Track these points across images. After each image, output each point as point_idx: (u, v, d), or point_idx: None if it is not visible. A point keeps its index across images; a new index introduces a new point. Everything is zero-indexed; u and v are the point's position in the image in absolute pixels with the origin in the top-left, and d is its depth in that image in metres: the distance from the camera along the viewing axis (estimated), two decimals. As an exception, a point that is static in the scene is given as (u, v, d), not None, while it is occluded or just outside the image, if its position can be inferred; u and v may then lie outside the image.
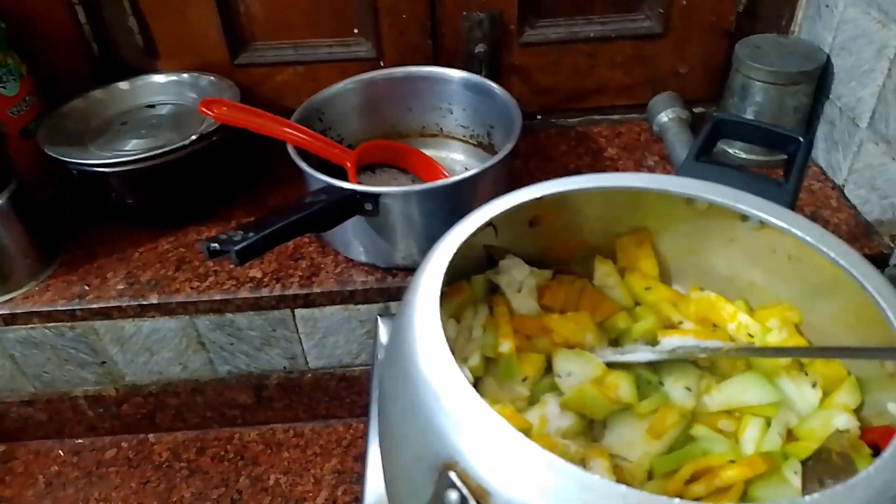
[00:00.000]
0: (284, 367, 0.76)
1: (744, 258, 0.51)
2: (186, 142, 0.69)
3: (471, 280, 0.52)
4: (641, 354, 0.46)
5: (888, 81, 0.67)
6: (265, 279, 0.69)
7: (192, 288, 0.69)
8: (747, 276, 0.52)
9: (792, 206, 0.49)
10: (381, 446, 0.45)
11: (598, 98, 0.89)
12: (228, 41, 0.82)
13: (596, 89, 0.88)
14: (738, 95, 0.78)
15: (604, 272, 0.54)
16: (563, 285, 0.54)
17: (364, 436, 0.79)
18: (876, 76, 0.68)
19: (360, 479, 0.70)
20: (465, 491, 0.30)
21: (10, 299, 0.69)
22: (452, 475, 0.31)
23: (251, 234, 0.50)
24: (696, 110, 0.86)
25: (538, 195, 0.48)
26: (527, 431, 0.43)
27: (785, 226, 0.46)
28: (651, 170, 0.81)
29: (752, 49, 0.77)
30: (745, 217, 0.48)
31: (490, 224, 0.49)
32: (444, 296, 0.50)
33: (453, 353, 0.47)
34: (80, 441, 0.81)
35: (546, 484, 0.30)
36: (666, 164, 0.81)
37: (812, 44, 0.79)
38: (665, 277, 0.55)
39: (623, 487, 0.29)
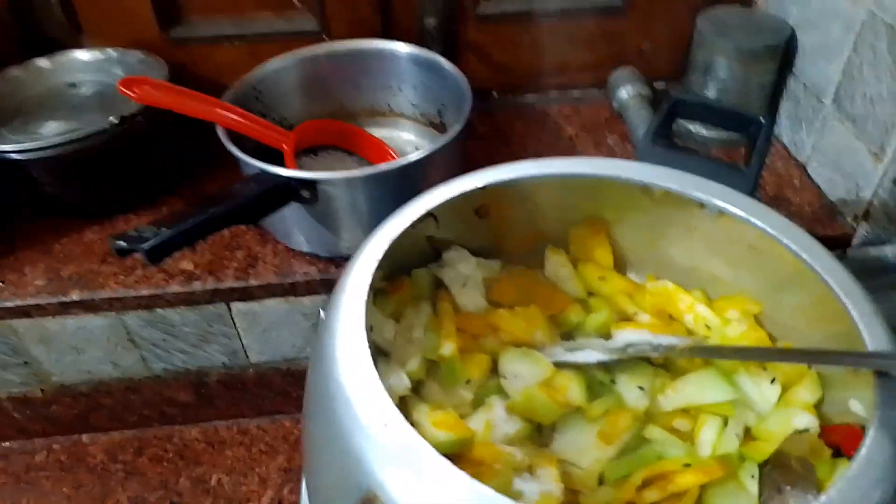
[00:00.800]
0: (224, 364, 0.72)
1: (703, 248, 0.47)
2: (107, 125, 0.64)
3: (412, 275, 0.48)
4: (592, 354, 0.43)
5: (854, 58, 0.64)
6: (198, 271, 0.64)
7: (117, 283, 0.64)
8: (707, 266, 0.49)
9: (753, 192, 0.46)
10: (304, 466, 0.42)
11: (558, 76, 0.85)
12: (160, 14, 0.76)
13: (556, 67, 0.84)
14: (700, 72, 0.74)
15: (556, 263, 0.51)
16: (513, 278, 0.50)
17: (312, 434, 0.75)
18: (842, 52, 0.65)
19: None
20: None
21: (-83, 296, 0.63)
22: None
23: (163, 229, 0.45)
24: (658, 86, 0.83)
25: (482, 184, 0.44)
26: (469, 439, 0.40)
27: (744, 215, 0.43)
28: (611, 150, 0.77)
29: (716, 23, 0.74)
30: (703, 205, 0.44)
31: (430, 215, 0.45)
32: (383, 293, 0.46)
33: (388, 357, 0.43)
34: (6, 444, 0.76)
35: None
36: (627, 144, 0.78)
37: (777, 17, 0.75)
38: (621, 268, 0.51)
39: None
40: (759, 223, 0.42)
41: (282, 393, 0.76)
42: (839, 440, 0.40)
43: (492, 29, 0.80)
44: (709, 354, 0.43)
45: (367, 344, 0.34)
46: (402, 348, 0.44)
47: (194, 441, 0.75)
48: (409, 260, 0.48)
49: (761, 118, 0.48)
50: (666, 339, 0.43)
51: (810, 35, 0.71)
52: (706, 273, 0.49)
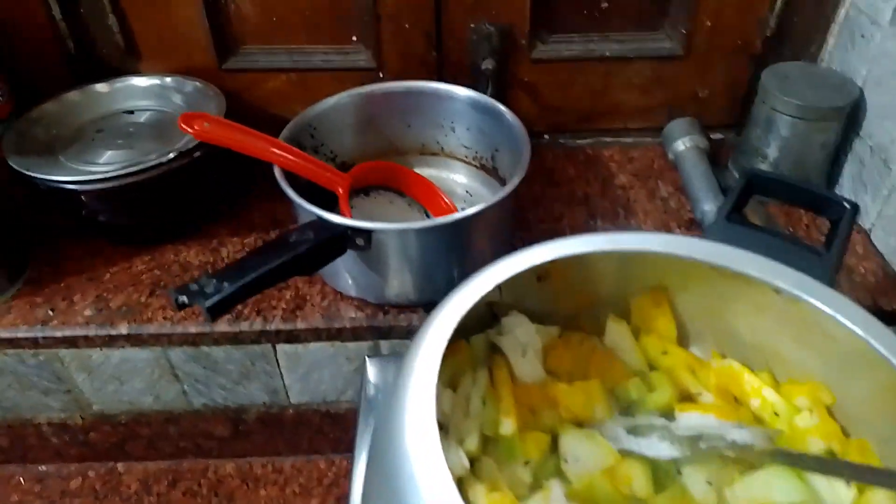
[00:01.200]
0: (264, 402, 0.71)
1: (772, 327, 0.45)
2: (164, 159, 0.63)
3: (470, 341, 0.47)
4: (662, 447, 0.41)
5: (929, 125, 0.62)
6: (245, 310, 0.64)
7: (165, 318, 0.63)
8: (774, 345, 0.47)
9: (832, 280, 0.44)
10: None
11: (610, 119, 0.83)
12: (216, 43, 0.76)
13: (609, 110, 0.82)
14: (762, 127, 0.73)
15: (618, 332, 0.49)
16: (571, 346, 0.49)
17: (347, 475, 0.74)
18: (914, 117, 0.63)
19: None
20: None
21: (-32, 321, 0.63)
22: None
23: (225, 284, 0.45)
24: (714, 136, 0.81)
25: (551, 257, 0.43)
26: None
27: (822, 306, 0.41)
28: (665, 201, 0.76)
29: (780, 78, 0.72)
30: (778, 291, 0.43)
31: (496, 287, 0.44)
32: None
33: (446, 431, 0.42)
34: (43, 468, 0.76)
35: None
36: (681, 195, 0.76)
37: (843, 75, 0.73)
38: (683, 339, 0.50)
39: None
40: (836, 315, 0.40)
41: (319, 432, 0.75)
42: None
43: (546, 71, 0.79)
44: (791, 462, 0.41)
45: (435, 426, 0.33)
46: (460, 422, 0.43)
47: (228, 477, 0.75)
48: (465, 324, 0.47)
49: (845, 203, 0.46)
50: (739, 433, 0.42)
51: (880, 96, 0.69)
52: (771, 351, 0.47)
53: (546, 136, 0.84)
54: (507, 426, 0.42)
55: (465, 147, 0.76)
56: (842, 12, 0.74)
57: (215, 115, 0.64)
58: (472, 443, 0.42)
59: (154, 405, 0.71)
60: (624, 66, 0.78)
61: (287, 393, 0.70)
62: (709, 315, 0.49)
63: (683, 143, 0.78)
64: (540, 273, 0.47)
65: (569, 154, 0.84)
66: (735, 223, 0.47)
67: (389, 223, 0.57)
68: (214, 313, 0.44)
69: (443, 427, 0.43)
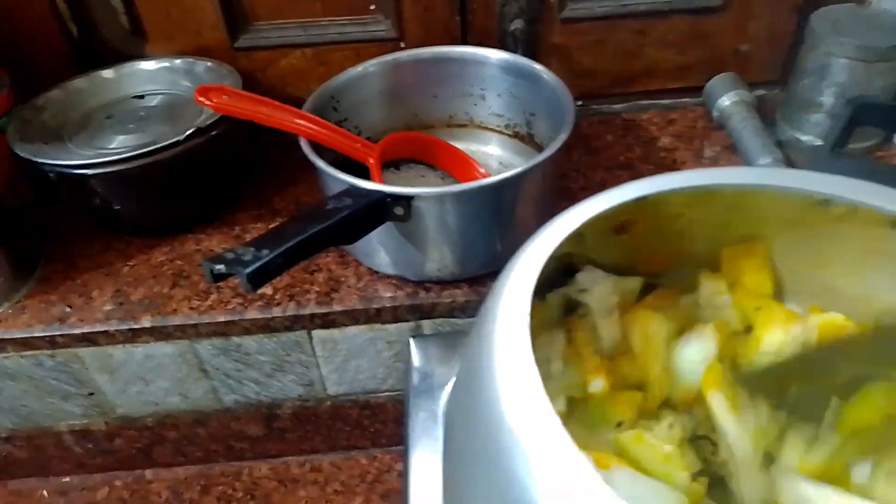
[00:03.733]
0: (300, 395, 0.66)
1: (884, 275, 0.41)
2: (181, 137, 0.59)
3: (546, 299, 0.42)
4: None
5: None
6: (277, 296, 0.59)
7: (191, 308, 0.59)
8: (885, 295, 0.42)
9: None
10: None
11: (646, 81, 0.79)
12: (227, 21, 0.71)
13: (645, 71, 0.78)
14: (815, 75, 0.68)
15: (712, 290, 0.44)
16: (659, 304, 0.44)
17: (395, 470, 0.69)
18: None
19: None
20: None
21: (-21, 324, 0.59)
22: None
23: (265, 251, 0.40)
24: (758, 93, 0.76)
25: (636, 195, 0.38)
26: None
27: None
28: (714, 161, 0.71)
29: (831, 22, 0.67)
30: None
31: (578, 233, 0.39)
32: None
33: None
34: (66, 479, 0.71)
35: None
36: (731, 154, 0.71)
37: (895, 15, 0.69)
38: (777, 296, 0.45)
39: None
40: None
41: (358, 426, 0.70)
42: None
43: (577, 31, 0.74)
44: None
45: (537, 373, 0.29)
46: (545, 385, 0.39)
47: (264, 479, 0.70)
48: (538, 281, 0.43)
49: None
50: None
51: (942, 32, 0.64)
52: (882, 306, 0.42)
53: (580, 102, 0.80)
54: (598, 384, 0.37)
55: (497, 115, 0.71)
56: (891, -51, 0.70)
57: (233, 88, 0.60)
58: (559, 405, 0.37)
59: (182, 405, 0.66)
60: (659, 22, 0.74)
61: (324, 384, 0.65)
62: (809, 267, 0.44)
63: (729, 98, 0.73)
64: (620, 223, 0.43)
65: (605, 120, 0.79)
66: (844, 157, 0.43)
67: (430, 188, 0.52)
68: (255, 282, 0.39)
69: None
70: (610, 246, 0.42)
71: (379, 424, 0.70)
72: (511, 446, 0.29)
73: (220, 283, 0.61)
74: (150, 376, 0.63)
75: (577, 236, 0.39)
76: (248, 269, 0.39)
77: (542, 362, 0.39)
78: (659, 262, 0.44)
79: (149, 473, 0.71)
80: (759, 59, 0.77)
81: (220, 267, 0.39)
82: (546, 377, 0.38)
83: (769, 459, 0.36)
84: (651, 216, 0.41)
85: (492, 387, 0.31)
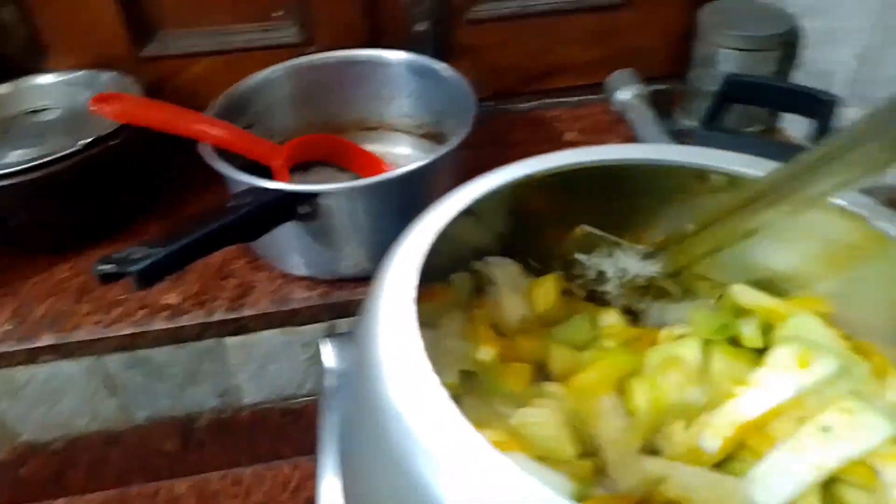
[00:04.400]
0: (215, 406, 0.65)
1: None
2: (77, 147, 0.57)
3: (450, 280, 0.42)
4: None
5: (871, 42, 0.61)
6: (185, 304, 0.58)
7: (95, 322, 0.57)
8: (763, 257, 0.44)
9: None
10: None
11: (554, 79, 0.81)
12: (130, 30, 0.70)
13: (552, 69, 0.80)
14: (704, 65, 0.71)
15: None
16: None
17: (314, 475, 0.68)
18: (857, 36, 0.63)
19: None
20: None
21: None
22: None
23: (157, 249, 0.39)
24: (663, 87, 0.79)
25: (525, 172, 0.39)
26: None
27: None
28: (619, 153, 0.73)
29: (719, 14, 0.71)
30: None
31: (471, 212, 0.40)
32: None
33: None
34: (-30, 516, 0.67)
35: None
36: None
37: (779, 7, 0.73)
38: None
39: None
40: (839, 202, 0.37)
41: (279, 435, 0.69)
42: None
43: (484, 32, 0.76)
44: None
45: (422, 346, 0.29)
46: (438, 360, 0.39)
47: (183, 496, 0.68)
48: (443, 264, 0.43)
49: (827, 96, 0.44)
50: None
51: (815, 21, 0.68)
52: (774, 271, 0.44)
53: (491, 102, 0.81)
54: (486, 353, 0.38)
55: (408, 116, 0.72)
56: (772, -54, 0.74)
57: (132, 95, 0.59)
58: (451, 376, 0.37)
59: (91, 425, 0.64)
60: (563, 20, 0.76)
61: (240, 393, 0.64)
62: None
63: (625, 92, 0.76)
64: (514, 208, 0.44)
65: (515, 118, 0.81)
66: (715, 130, 0.45)
67: (335, 184, 0.52)
68: (146, 279, 0.38)
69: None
70: (510, 231, 0.43)
71: (301, 431, 0.69)
72: (399, 422, 0.28)
73: (126, 295, 0.59)
74: (55, 397, 0.61)
75: (472, 217, 0.40)
76: (137, 268, 0.38)
77: (439, 340, 0.39)
78: (554, 246, 0.45)
79: (61, 502, 0.68)
80: (662, 54, 0.80)
81: (108, 267, 0.38)
82: (442, 353, 0.39)
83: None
84: (541, 197, 0.42)
85: (377, 368, 0.30)
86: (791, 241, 0.41)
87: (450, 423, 0.26)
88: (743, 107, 0.62)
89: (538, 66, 0.79)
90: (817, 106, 0.46)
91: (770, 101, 0.49)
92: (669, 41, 0.79)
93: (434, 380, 0.28)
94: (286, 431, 0.69)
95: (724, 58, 0.70)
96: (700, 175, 0.40)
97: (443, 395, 0.27)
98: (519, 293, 0.42)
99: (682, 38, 0.78)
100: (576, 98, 0.82)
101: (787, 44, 0.70)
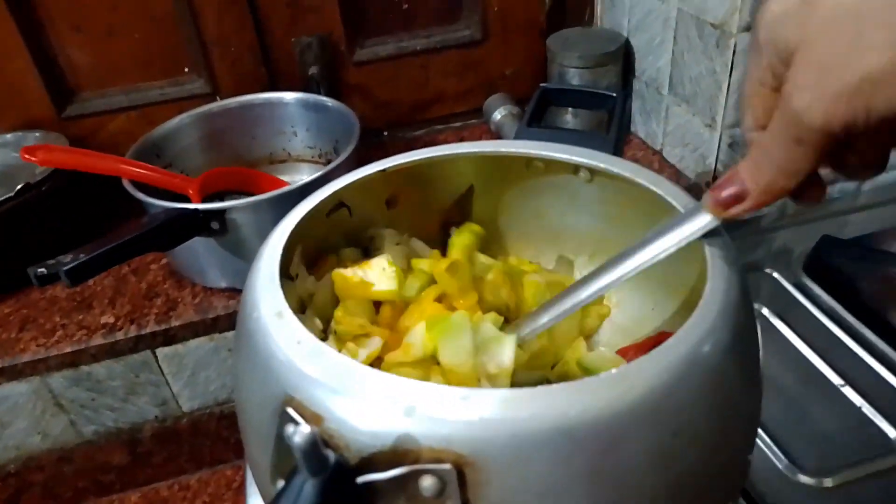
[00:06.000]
0: (156, 416, 0.72)
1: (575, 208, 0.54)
2: (11, 193, 0.66)
3: (338, 253, 0.52)
4: None
5: (675, 48, 0.75)
6: (119, 322, 0.66)
7: (38, 345, 0.64)
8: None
9: (617, 152, 0.54)
10: (238, 413, 0.43)
11: (438, 107, 0.93)
12: (52, 94, 0.79)
13: (434, 99, 0.92)
14: (558, 82, 0.85)
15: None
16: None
17: (255, 471, 0.76)
18: (666, 46, 0.77)
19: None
20: (301, 421, 0.30)
21: None
22: (290, 410, 0.31)
23: (82, 255, 0.48)
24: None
25: (381, 167, 0.50)
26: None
27: (608, 166, 0.49)
28: (494, 162, 0.85)
29: (562, 41, 0.85)
30: (577, 169, 0.51)
31: (343, 205, 0.50)
32: (308, 271, 0.50)
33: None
34: (-69, 547, 0.72)
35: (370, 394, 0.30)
36: (507, 154, 0.86)
37: (612, 30, 0.87)
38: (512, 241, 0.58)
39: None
40: (620, 171, 0.48)
41: (219, 439, 0.76)
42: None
43: (369, 71, 0.88)
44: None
45: (278, 282, 0.38)
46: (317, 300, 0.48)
47: (135, 505, 0.74)
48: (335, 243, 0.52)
49: (614, 93, 0.57)
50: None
51: (641, 38, 0.83)
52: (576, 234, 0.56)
53: (385, 133, 0.93)
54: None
55: (310, 147, 0.83)
56: (600, -18, 0.89)
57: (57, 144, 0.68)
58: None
59: (43, 444, 0.70)
60: (435, 57, 0.89)
61: (177, 401, 0.72)
62: (529, 215, 0.57)
63: (499, 112, 0.89)
64: (388, 198, 0.54)
65: (407, 145, 0.92)
66: (534, 127, 0.57)
67: (237, 200, 0.62)
68: (74, 277, 0.47)
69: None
70: (387, 221, 0.54)
71: (238, 434, 0.76)
72: (262, 340, 0.36)
73: (65, 321, 0.67)
74: (7, 418, 0.67)
75: (353, 207, 0.51)
76: (66, 268, 0.47)
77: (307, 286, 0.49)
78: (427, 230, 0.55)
79: (18, 523, 0.73)
80: (522, 78, 0.94)
81: (42, 270, 0.47)
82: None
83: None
84: (409, 187, 0.53)
85: (251, 306, 0.39)
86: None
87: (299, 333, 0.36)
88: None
89: (422, 97, 0.92)
90: (605, 101, 0.58)
91: (573, 102, 0.62)
92: (529, 66, 0.93)
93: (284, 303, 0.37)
94: (225, 436, 0.77)
95: (572, 75, 0.83)
96: (522, 161, 0.51)
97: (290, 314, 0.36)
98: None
99: (540, 62, 0.92)
100: (459, 122, 0.95)
101: (621, 58, 0.84)
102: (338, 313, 0.46)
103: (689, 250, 0.39)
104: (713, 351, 0.33)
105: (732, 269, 0.37)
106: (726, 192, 0.34)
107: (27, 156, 0.63)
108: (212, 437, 0.76)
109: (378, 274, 0.47)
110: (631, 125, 0.89)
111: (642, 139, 0.88)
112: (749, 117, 0.34)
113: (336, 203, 0.50)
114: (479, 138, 0.92)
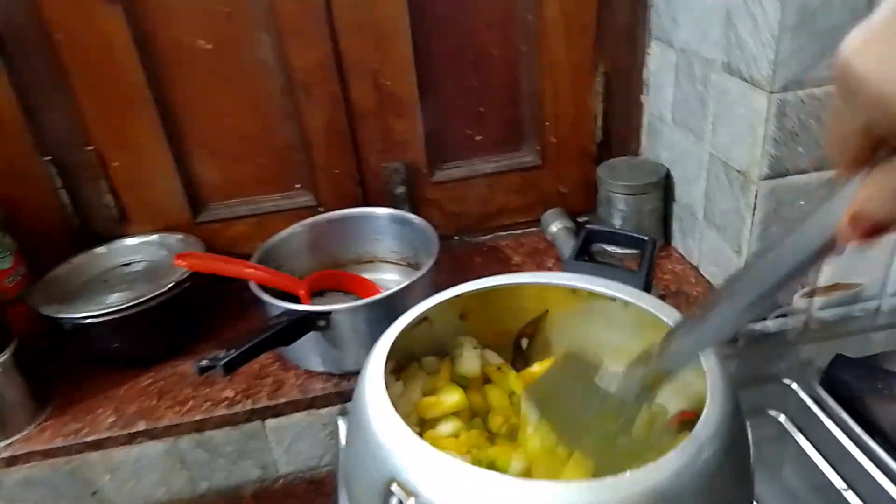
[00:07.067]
0: (258, 477, 0.86)
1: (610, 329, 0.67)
2: (163, 289, 0.83)
3: (421, 361, 0.66)
4: None
5: (708, 185, 0.89)
6: (237, 397, 0.81)
7: (173, 413, 0.80)
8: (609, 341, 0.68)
9: (646, 287, 0.66)
10: (340, 486, 0.56)
11: (500, 218, 1.09)
12: (190, 204, 0.98)
13: (498, 211, 1.08)
14: (605, 205, 0.99)
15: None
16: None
17: (334, 531, 0.88)
18: (700, 182, 0.90)
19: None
20: (401, 495, 0.43)
21: (10, 443, 0.78)
22: (394, 487, 0.44)
23: (232, 350, 0.64)
24: (580, 219, 1.07)
25: (458, 292, 0.64)
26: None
27: (637, 302, 0.62)
28: (550, 270, 0.99)
29: (610, 169, 0.99)
30: (613, 298, 0.64)
31: (425, 318, 0.64)
32: (396, 372, 0.64)
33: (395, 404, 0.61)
34: (68, 577, 0.87)
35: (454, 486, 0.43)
36: (560, 264, 1.00)
37: (655, 161, 1.02)
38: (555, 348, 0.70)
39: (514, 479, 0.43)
40: (647, 307, 0.61)
41: (305, 500, 0.90)
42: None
43: (445, 189, 1.04)
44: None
45: (384, 384, 0.52)
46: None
47: (234, 555, 0.87)
48: (419, 352, 0.66)
49: (647, 238, 0.70)
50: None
51: (678, 170, 0.96)
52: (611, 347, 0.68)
53: (455, 237, 1.09)
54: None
55: (393, 252, 0.99)
56: (645, 118, 1.04)
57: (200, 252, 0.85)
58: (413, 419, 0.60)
59: (164, 496, 0.85)
60: (501, 178, 1.05)
61: (276, 465, 0.86)
62: (579, 331, 0.70)
63: (555, 226, 1.03)
64: (462, 313, 0.68)
65: (473, 248, 1.08)
66: (581, 261, 0.70)
67: (342, 304, 0.78)
68: (228, 368, 0.63)
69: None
70: (459, 330, 0.67)
71: (322, 497, 0.90)
72: (370, 431, 0.50)
73: (195, 394, 0.83)
74: (142, 472, 0.82)
75: (433, 320, 0.65)
76: (223, 362, 0.62)
77: (405, 393, 0.63)
78: (493, 339, 0.69)
79: (137, 563, 0.87)
80: (576, 196, 1.09)
81: (204, 363, 0.62)
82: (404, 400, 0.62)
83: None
84: (479, 306, 0.67)
85: (363, 409, 0.53)
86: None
87: (402, 433, 0.49)
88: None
89: (487, 210, 1.07)
90: (641, 244, 0.72)
91: (613, 241, 0.76)
92: (581, 187, 1.08)
93: (392, 411, 0.51)
94: (310, 498, 0.90)
95: (617, 200, 0.98)
96: (570, 290, 0.65)
97: (392, 411, 0.50)
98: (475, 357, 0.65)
99: (591, 184, 1.07)
100: (519, 231, 1.10)
101: (662, 186, 0.98)
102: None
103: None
104: (710, 458, 0.45)
105: (728, 385, 0.49)
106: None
107: (180, 262, 0.81)
108: (300, 498, 0.89)
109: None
110: (672, 240, 1.02)
111: (682, 254, 1.00)
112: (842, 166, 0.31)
113: (421, 318, 0.65)
114: (537, 245, 1.06)
